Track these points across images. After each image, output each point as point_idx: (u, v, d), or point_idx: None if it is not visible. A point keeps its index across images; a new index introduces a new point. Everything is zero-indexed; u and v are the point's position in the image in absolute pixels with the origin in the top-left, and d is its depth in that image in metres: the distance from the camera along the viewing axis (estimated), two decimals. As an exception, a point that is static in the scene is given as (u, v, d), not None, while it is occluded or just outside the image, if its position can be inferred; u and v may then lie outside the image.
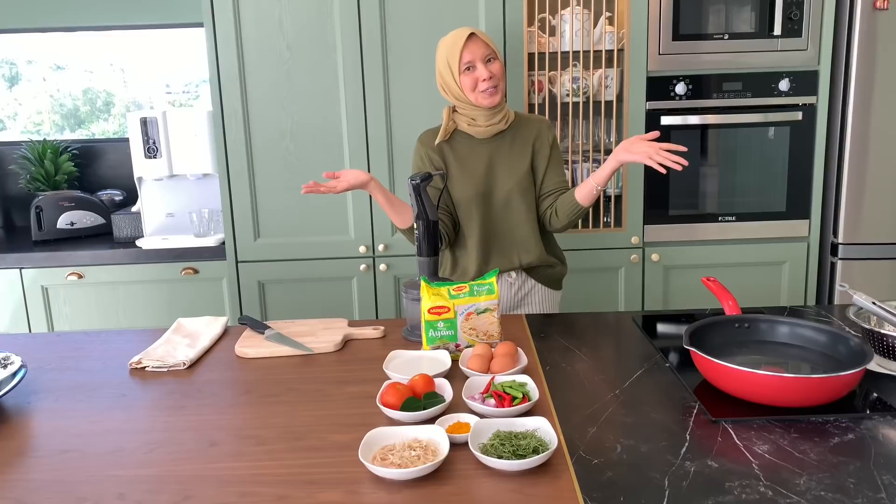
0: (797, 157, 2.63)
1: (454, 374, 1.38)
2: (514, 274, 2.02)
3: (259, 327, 1.64)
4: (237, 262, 2.69)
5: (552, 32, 2.61)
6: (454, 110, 1.99)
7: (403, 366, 1.40)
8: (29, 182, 3.17)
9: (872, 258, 2.62)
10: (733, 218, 2.67)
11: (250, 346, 1.57)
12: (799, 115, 2.60)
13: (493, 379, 1.28)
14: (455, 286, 1.47)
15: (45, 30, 3.14)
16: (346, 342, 1.62)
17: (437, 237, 1.61)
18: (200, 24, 2.56)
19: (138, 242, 2.83)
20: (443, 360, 1.42)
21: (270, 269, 2.69)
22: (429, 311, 1.44)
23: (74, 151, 3.29)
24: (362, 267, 2.67)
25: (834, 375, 1.15)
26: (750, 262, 2.71)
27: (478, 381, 1.30)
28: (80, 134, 3.39)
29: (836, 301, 2.66)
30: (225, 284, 2.74)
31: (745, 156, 2.63)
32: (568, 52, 2.58)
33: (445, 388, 1.27)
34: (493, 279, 1.49)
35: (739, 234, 2.68)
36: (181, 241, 2.83)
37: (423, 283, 1.47)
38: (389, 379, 1.35)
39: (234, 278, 2.70)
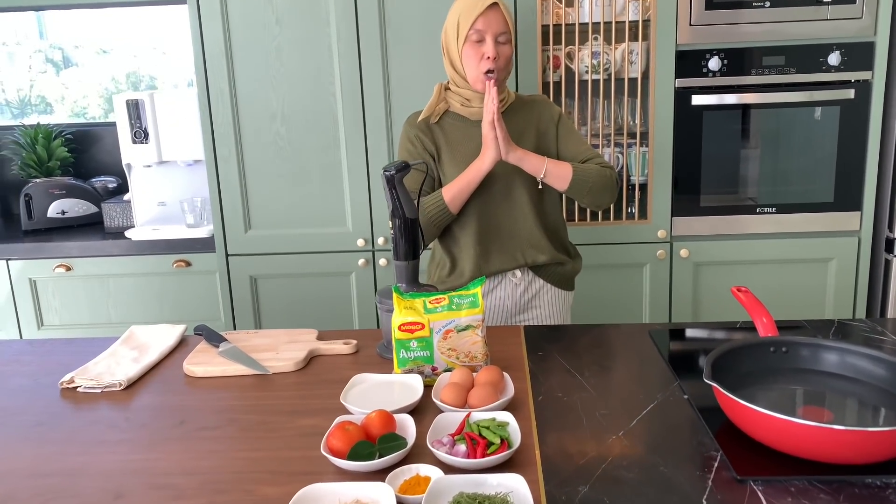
0: (847, 141, 2.33)
1: (425, 407, 1.16)
2: (519, 273, 1.79)
3: (214, 339, 1.44)
4: (227, 255, 2.49)
5: (570, 2, 2.34)
6: (446, 88, 1.76)
7: (367, 394, 1.18)
8: (21, 168, 3.02)
9: (934, 256, 2.32)
10: (773, 209, 2.39)
11: (200, 362, 1.36)
12: (851, 93, 2.29)
13: (468, 416, 1.06)
14: (432, 297, 1.24)
15: (25, 9, 2.97)
16: (312, 358, 1.40)
17: (418, 238, 1.38)
18: (184, 1, 2.37)
19: (128, 233, 2.67)
20: (415, 387, 1.19)
21: (263, 263, 2.49)
22: (399, 328, 1.22)
23: (69, 136, 3.13)
24: (361, 262, 2.45)
25: (897, 427, 0.89)
26: (792, 259, 2.42)
27: (450, 418, 1.07)
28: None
29: (894, 305, 2.36)
30: (218, 278, 2.56)
31: (787, 139, 2.34)
32: (587, 24, 2.31)
33: (408, 427, 1.05)
34: (478, 289, 1.25)
35: (780, 227, 2.39)
36: (173, 231, 2.66)
37: (394, 294, 1.24)
38: (347, 412, 1.13)
39: (225, 273, 2.51)
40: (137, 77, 3.14)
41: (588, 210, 2.39)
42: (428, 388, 1.21)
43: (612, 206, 2.39)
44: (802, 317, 2.45)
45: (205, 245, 2.60)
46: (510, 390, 1.16)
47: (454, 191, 1.66)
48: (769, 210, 2.39)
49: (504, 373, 1.20)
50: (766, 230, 2.40)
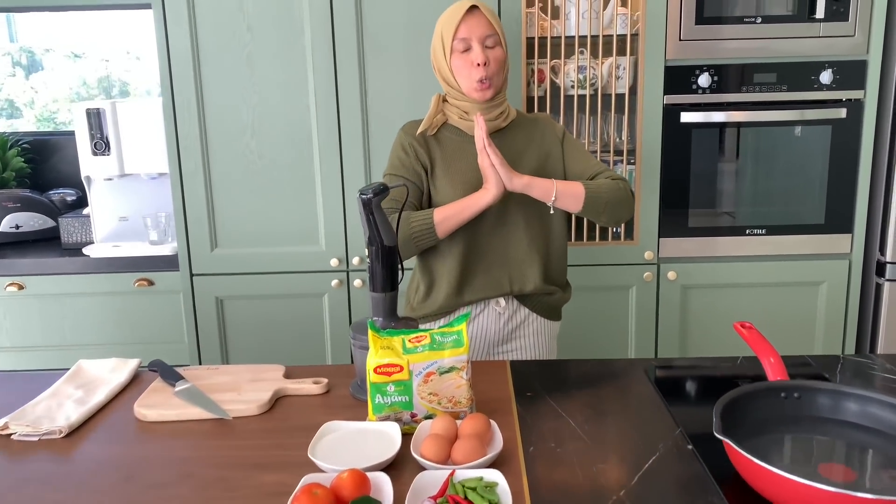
0: (839, 161, 2.26)
1: (404, 461, 1.04)
2: (503, 301, 1.68)
3: (170, 377, 1.30)
4: (192, 274, 2.35)
5: (555, 14, 2.25)
6: (444, 100, 1.65)
7: (338, 446, 1.06)
8: (-26, 179, 2.85)
9: (926, 280, 2.25)
10: (763, 231, 2.31)
11: (153, 404, 1.23)
12: (842, 113, 2.22)
13: (452, 475, 0.94)
14: (412, 336, 1.12)
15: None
16: (279, 399, 1.27)
17: (396, 267, 1.26)
18: (149, 6, 2.24)
19: (87, 250, 2.52)
20: (392, 437, 1.07)
21: (230, 283, 2.35)
22: (375, 371, 1.10)
23: (26, 145, 2.97)
24: (334, 282, 2.33)
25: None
26: (781, 283, 2.34)
27: (432, 476, 0.95)
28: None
29: (885, 330, 2.29)
30: (182, 299, 2.41)
31: (778, 159, 2.26)
32: (574, 38, 2.22)
33: (384, 488, 0.93)
34: (463, 326, 1.14)
35: (770, 249, 2.31)
36: (135, 248, 2.52)
37: (370, 331, 1.12)
38: (316, 469, 1.01)
39: (189, 293, 2.36)
40: (110, 82, 3.00)
41: (572, 230, 2.29)
42: (407, 436, 1.09)
43: (596, 225, 2.30)
44: (792, 341, 2.37)
45: (168, 263, 2.46)
46: (498, 443, 1.04)
47: (446, 215, 1.54)
48: (759, 231, 2.31)
49: (491, 420, 1.09)
50: (756, 252, 2.32)
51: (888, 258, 2.26)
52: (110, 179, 2.55)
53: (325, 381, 1.30)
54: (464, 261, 1.63)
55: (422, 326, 1.70)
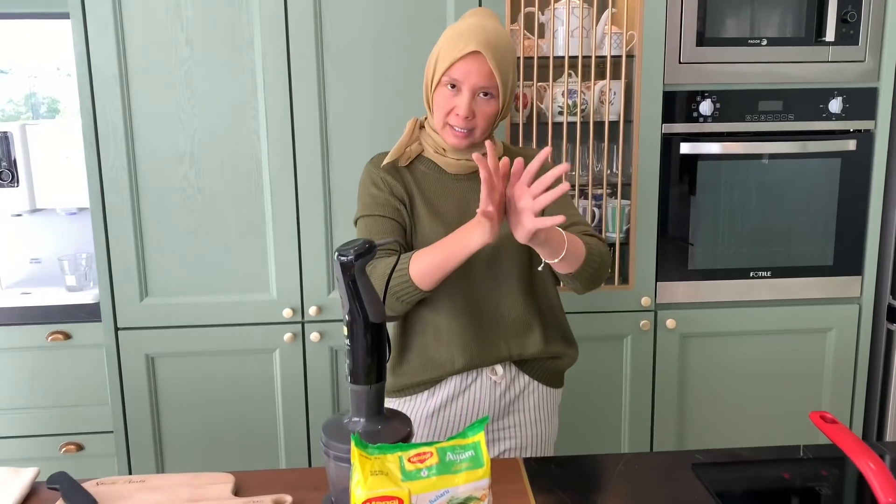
0: (848, 198, 2.07)
1: None
2: (499, 370, 1.39)
3: (75, 498, 0.96)
4: (116, 329, 1.98)
5: (541, 32, 2.00)
6: (421, 126, 1.37)
7: None
8: None
9: (943, 327, 2.08)
10: (768, 273, 2.09)
11: (48, 549, 0.89)
12: (852, 144, 2.04)
13: None
14: (414, 451, 0.82)
15: None
16: (226, 529, 0.95)
17: (384, 349, 0.95)
18: (67, 16, 1.90)
19: (-11, 297, 2.13)
20: None
21: (162, 338, 1.99)
22: (365, 506, 0.79)
23: (-80, 173, 2.54)
24: (287, 336, 1.99)
25: None
26: (786, 329, 2.12)
27: None
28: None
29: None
30: (106, 356, 2.03)
31: (784, 194, 2.06)
32: (562, 58, 1.97)
33: None
34: (480, 436, 0.84)
35: (776, 293, 2.10)
36: (49, 296, 2.14)
37: (354, 448, 0.81)
38: None
39: (114, 350, 1.99)
40: (37, 100, 2.60)
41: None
42: None
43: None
44: (798, 393, 2.16)
45: (90, 313, 2.11)
46: None
47: (426, 264, 1.21)
48: (764, 274, 2.09)
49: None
50: (760, 297, 2.10)
51: (901, 303, 2.07)
52: (19, 215, 2.18)
53: (290, 499, 0.98)
54: (449, 319, 1.34)
55: (389, 402, 1.39)
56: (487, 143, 1.10)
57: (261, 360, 2.02)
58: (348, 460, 0.88)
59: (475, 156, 1.06)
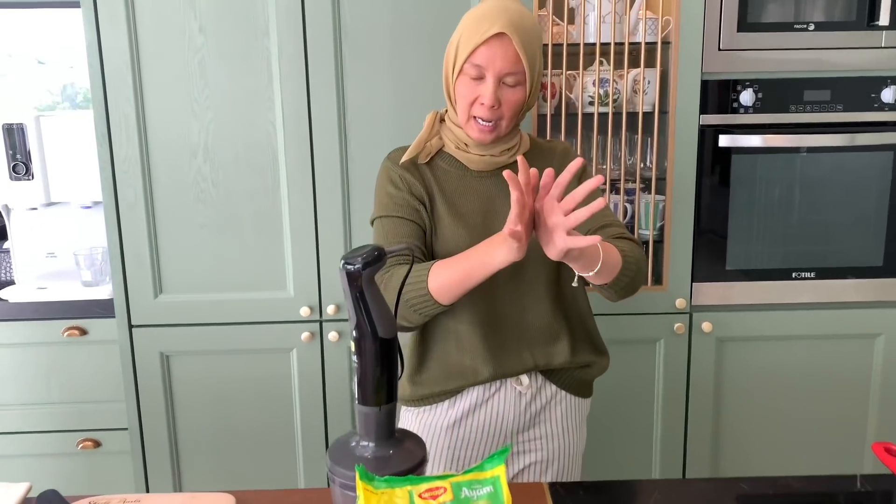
0: (900, 194, 1.93)
1: None
2: (525, 379, 1.30)
3: (65, 522, 0.90)
4: (130, 326, 1.93)
5: (571, 19, 1.89)
6: (441, 119, 1.28)
7: None
8: None
9: None
10: (812, 274, 1.97)
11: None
12: (906, 137, 1.90)
13: None
14: (425, 486, 0.74)
15: None
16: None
17: (395, 367, 0.87)
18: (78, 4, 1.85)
19: (6, 293, 2.10)
20: None
21: (177, 336, 1.94)
22: (369, 547, 0.71)
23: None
24: (305, 335, 1.93)
25: None
26: (831, 335, 2.00)
27: None
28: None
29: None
30: (120, 354, 1.99)
31: (830, 190, 1.93)
32: (593, 45, 1.86)
33: None
34: (501, 469, 0.75)
35: (820, 295, 1.97)
36: (65, 290, 2.10)
37: (359, 481, 0.73)
38: None
39: (128, 348, 1.94)
40: (74, 90, 2.57)
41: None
42: None
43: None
44: (844, 403, 2.03)
45: (105, 308, 2.06)
46: None
47: (446, 278, 1.13)
48: (807, 275, 1.97)
49: None
50: (803, 299, 1.97)
51: (958, 307, 1.93)
52: (34, 209, 2.13)
53: (291, 526, 0.91)
54: (474, 333, 1.26)
55: (407, 411, 1.32)
56: (520, 158, 1.01)
57: (278, 360, 1.96)
58: (352, 489, 0.80)
59: (507, 174, 0.97)
